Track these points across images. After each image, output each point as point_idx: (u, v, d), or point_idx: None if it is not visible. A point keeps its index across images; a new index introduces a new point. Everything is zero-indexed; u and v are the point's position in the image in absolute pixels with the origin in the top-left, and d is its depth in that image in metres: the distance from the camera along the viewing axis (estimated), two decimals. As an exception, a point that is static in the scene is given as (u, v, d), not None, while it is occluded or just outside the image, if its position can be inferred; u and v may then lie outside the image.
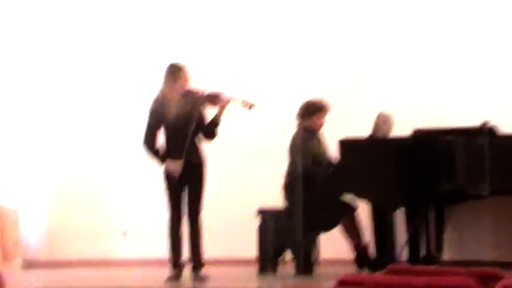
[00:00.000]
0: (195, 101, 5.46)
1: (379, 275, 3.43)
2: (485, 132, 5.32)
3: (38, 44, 7.27)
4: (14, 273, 6.39)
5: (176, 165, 5.40)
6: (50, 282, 6.05)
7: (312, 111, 5.79)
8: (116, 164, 7.09)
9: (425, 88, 6.42)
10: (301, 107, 5.84)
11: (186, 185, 5.50)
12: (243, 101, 5.46)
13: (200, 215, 5.49)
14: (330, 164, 5.82)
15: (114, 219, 7.01)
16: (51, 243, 7.11)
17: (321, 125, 5.85)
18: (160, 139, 5.56)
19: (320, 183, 5.63)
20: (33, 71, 7.27)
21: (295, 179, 5.72)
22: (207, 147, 5.62)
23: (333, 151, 5.67)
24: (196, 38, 6.95)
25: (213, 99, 5.44)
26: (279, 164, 5.94)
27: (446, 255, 6.04)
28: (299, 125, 5.85)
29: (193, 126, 5.38)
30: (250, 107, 5.49)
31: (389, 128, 5.88)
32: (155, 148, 5.53)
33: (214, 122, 5.47)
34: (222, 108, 5.44)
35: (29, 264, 6.97)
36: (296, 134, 5.84)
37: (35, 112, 7.28)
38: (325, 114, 5.82)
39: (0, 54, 7.22)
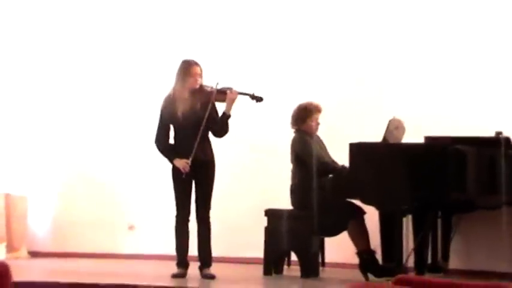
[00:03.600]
0: (205, 98, 5.44)
1: (387, 286, 3.41)
2: (500, 142, 5.27)
3: (46, 37, 7.27)
4: (19, 263, 6.39)
5: (184, 164, 5.38)
6: (56, 273, 6.06)
7: (305, 115, 5.81)
8: (125, 159, 7.10)
9: (438, 96, 6.38)
10: (293, 113, 5.86)
11: (194, 183, 5.49)
12: (250, 95, 5.46)
13: (209, 214, 5.48)
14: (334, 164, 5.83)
15: (122, 213, 7.01)
16: (57, 234, 7.11)
17: (317, 126, 5.86)
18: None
19: (329, 187, 5.62)
20: (44, 61, 7.28)
21: (302, 181, 5.71)
22: (217, 147, 5.60)
23: (344, 156, 5.65)
24: (209, 37, 6.94)
25: (221, 94, 5.43)
26: (288, 165, 5.93)
27: (453, 263, 6.02)
28: (296, 131, 5.85)
29: (203, 124, 5.36)
30: (258, 100, 5.49)
31: (400, 134, 5.84)
32: (166, 146, 5.52)
33: (224, 117, 5.45)
34: (230, 102, 5.41)
35: (34, 255, 6.97)
36: (296, 138, 5.84)
37: (46, 103, 7.29)
38: (318, 115, 5.83)
39: (9, 45, 7.24)
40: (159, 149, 5.55)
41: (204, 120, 5.36)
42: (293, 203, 5.85)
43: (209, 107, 5.39)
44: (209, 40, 6.91)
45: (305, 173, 5.73)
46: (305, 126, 5.84)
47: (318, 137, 5.95)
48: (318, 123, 5.88)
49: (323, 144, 5.97)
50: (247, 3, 6.94)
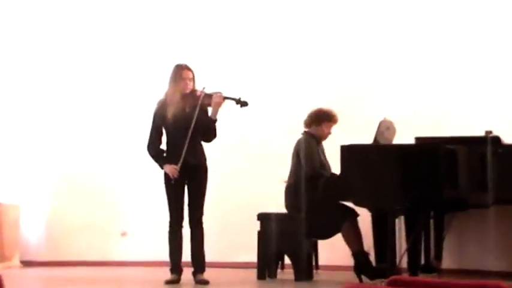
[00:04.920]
0: (195, 103, 5.43)
1: (381, 287, 3.41)
2: (489, 141, 5.30)
3: (41, 42, 7.25)
4: (11, 272, 6.36)
5: (173, 169, 5.37)
6: (49, 281, 6.04)
7: (322, 119, 5.80)
8: (117, 165, 7.08)
9: (428, 96, 6.41)
10: (311, 114, 5.84)
11: (187, 188, 5.48)
12: (236, 99, 5.44)
13: (201, 219, 5.47)
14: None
15: (114, 220, 6.99)
16: (50, 243, 7.08)
17: (328, 134, 5.85)
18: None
19: (322, 189, 5.62)
20: (37, 68, 7.27)
21: (299, 182, 5.71)
22: (209, 151, 5.60)
23: (335, 158, 5.66)
24: (203, 41, 6.96)
25: (208, 98, 5.42)
26: (281, 168, 5.93)
27: (446, 263, 6.04)
28: (306, 132, 5.84)
29: (191, 128, 5.35)
30: (243, 105, 5.46)
31: (391, 135, 5.86)
32: (158, 151, 5.52)
33: (210, 122, 5.43)
34: (216, 106, 5.39)
35: (27, 264, 6.94)
36: (302, 139, 5.82)
37: (38, 110, 7.27)
38: (334, 124, 5.82)
39: (2, 51, 7.22)
40: (151, 154, 5.54)
41: (192, 124, 5.35)
42: (286, 205, 5.84)
43: (196, 111, 5.37)
44: (204, 44, 6.93)
45: (302, 174, 5.71)
46: (317, 130, 5.81)
47: (322, 146, 5.93)
48: (329, 132, 5.85)
49: (324, 151, 5.95)
50: (240, 9, 6.96)
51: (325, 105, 5.90)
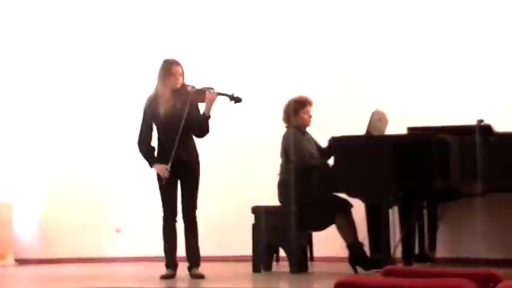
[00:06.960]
0: (186, 98, 5.42)
1: (376, 278, 3.42)
2: (480, 130, 5.32)
3: (32, 41, 7.23)
4: (6, 271, 6.35)
5: (163, 170, 5.36)
6: (44, 280, 6.03)
7: (297, 108, 5.81)
8: (110, 161, 7.08)
9: (419, 86, 6.44)
10: (284, 109, 5.86)
11: (180, 184, 5.48)
12: (229, 95, 5.43)
13: (195, 214, 5.47)
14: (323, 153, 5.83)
15: (108, 216, 6.99)
16: (44, 240, 7.08)
17: (309, 119, 5.86)
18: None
19: (315, 180, 5.63)
20: (27, 66, 7.25)
21: (290, 176, 5.72)
22: (201, 146, 5.60)
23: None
24: (193, 37, 6.96)
25: (200, 94, 5.41)
26: (274, 162, 5.94)
27: (440, 252, 6.07)
28: (287, 126, 5.86)
29: (182, 124, 5.34)
30: (237, 101, 5.45)
31: (384, 126, 5.88)
32: (148, 148, 5.50)
33: (203, 118, 5.42)
34: (209, 103, 5.39)
35: (22, 262, 6.93)
36: (287, 132, 5.84)
37: (30, 108, 7.26)
38: (309, 107, 5.83)
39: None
40: (141, 152, 5.52)
41: (183, 120, 5.34)
42: (280, 198, 5.86)
43: (187, 107, 5.36)
44: (194, 39, 6.93)
45: (292, 168, 5.72)
46: (298, 119, 5.82)
47: (308, 133, 5.95)
48: (310, 116, 5.86)
49: (313, 139, 5.97)
50: (230, 4, 6.95)
51: (316, 97, 5.92)
